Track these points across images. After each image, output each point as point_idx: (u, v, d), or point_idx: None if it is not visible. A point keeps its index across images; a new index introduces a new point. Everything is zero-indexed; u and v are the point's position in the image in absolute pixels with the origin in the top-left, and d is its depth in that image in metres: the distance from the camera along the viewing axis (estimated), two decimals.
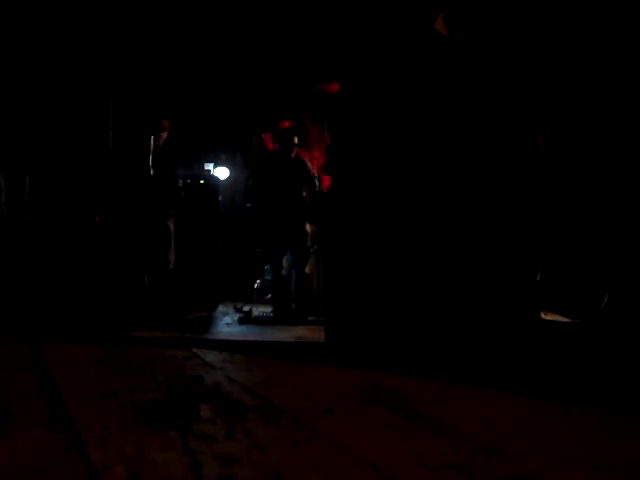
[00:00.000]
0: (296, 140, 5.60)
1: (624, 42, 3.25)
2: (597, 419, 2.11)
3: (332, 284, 3.96)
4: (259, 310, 5.57)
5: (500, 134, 3.43)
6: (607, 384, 2.54)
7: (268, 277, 6.56)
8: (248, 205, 7.23)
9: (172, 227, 5.48)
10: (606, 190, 3.32)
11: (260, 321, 5.11)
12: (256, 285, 6.82)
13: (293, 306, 5.41)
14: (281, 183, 5.48)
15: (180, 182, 5.65)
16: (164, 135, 5.43)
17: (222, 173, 7.64)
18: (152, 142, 5.25)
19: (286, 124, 5.84)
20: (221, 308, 5.84)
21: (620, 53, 3.25)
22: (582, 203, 3.53)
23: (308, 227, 5.47)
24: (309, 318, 5.15)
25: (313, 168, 5.61)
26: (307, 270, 5.49)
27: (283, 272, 5.53)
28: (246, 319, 5.13)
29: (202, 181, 5.69)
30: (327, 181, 5.41)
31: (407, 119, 3.52)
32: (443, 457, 1.59)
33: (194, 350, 3.44)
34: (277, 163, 5.58)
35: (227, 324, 4.94)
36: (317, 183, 5.58)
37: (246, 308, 5.49)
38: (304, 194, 5.55)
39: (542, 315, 3.79)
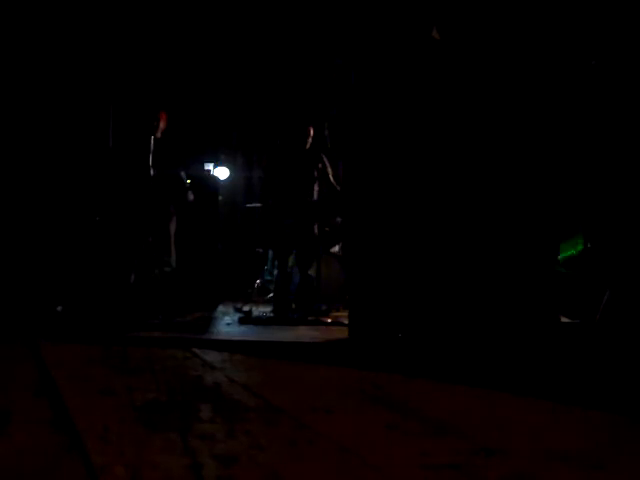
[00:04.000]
0: (312, 131, 5.49)
1: None
2: (598, 419, 2.11)
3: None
4: (259, 310, 5.57)
5: (518, 130, 3.43)
6: (608, 384, 2.54)
7: (268, 277, 6.56)
8: (248, 205, 7.22)
9: (173, 227, 5.47)
10: (607, 189, 3.32)
11: (260, 321, 5.11)
12: (256, 285, 6.81)
13: (293, 306, 5.40)
14: (294, 177, 5.38)
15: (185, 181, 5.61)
16: (162, 125, 5.39)
17: (222, 173, 7.63)
18: (152, 141, 5.24)
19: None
20: (221, 308, 5.84)
21: None
22: (583, 202, 3.53)
23: (316, 229, 5.44)
24: (309, 318, 5.15)
25: (328, 165, 5.52)
26: (311, 272, 5.48)
27: (288, 269, 5.51)
28: (246, 319, 5.13)
29: (189, 180, 5.61)
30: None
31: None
32: (443, 457, 1.59)
33: (194, 350, 3.44)
34: (291, 157, 5.47)
35: (227, 324, 4.94)
36: (332, 179, 5.49)
37: (246, 308, 5.49)
38: (317, 190, 5.48)
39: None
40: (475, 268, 3.38)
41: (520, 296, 3.36)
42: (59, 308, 4.93)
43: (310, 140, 5.46)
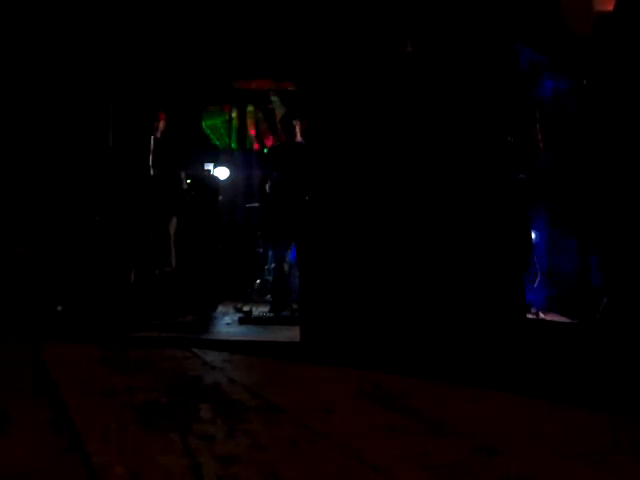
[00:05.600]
0: (297, 125, 5.48)
1: None
2: (598, 419, 2.11)
3: (332, 285, 3.96)
4: (259, 310, 5.56)
5: (481, 133, 3.44)
6: (608, 384, 2.54)
7: (268, 277, 6.55)
8: (248, 205, 7.22)
9: (173, 227, 5.47)
10: (605, 187, 3.32)
11: (260, 321, 5.11)
12: (256, 285, 6.81)
13: (294, 306, 5.40)
14: (289, 173, 5.37)
15: (185, 181, 5.59)
16: (161, 126, 5.38)
17: (222, 173, 7.63)
18: (152, 141, 5.24)
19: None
20: (221, 308, 5.83)
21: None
22: (580, 202, 3.53)
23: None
24: None
25: None
26: None
27: (285, 266, 5.50)
28: (246, 319, 5.13)
29: (189, 180, 5.59)
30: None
31: (379, 123, 3.54)
32: (443, 457, 1.59)
33: (194, 350, 3.44)
34: (284, 152, 5.46)
35: (227, 324, 4.94)
36: None
37: (246, 308, 5.49)
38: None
39: (541, 315, 3.80)
40: (456, 268, 3.39)
41: (490, 294, 3.36)
42: (59, 308, 4.92)
43: (298, 134, 5.45)
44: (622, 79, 3.08)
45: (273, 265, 5.70)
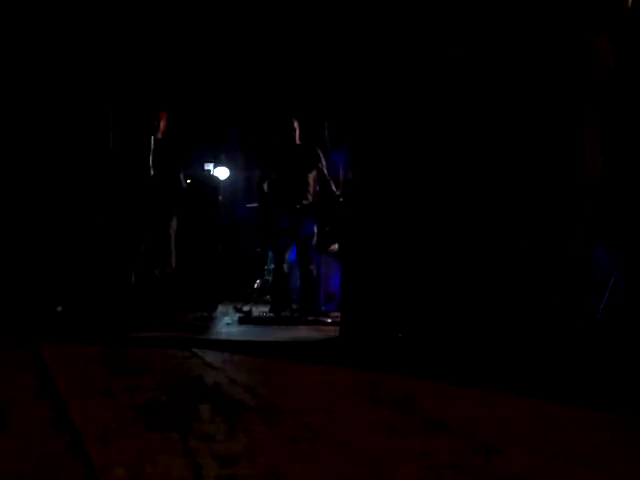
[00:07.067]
0: (296, 124, 5.44)
1: None
2: (598, 419, 2.11)
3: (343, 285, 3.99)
4: (259, 310, 5.56)
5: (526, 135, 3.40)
6: (608, 384, 2.54)
7: (268, 277, 6.55)
8: (248, 205, 7.22)
9: (173, 228, 5.45)
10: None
11: (260, 321, 5.11)
12: (256, 285, 6.81)
13: (294, 306, 5.40)
14: (288, 173, 5.34)
15: (184, 181, 5.56)
16: (162, 126, 5.36)
17: (222, 173, 7.63)
18: (152, 141, 5.23)
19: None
20: (221, 308, 5.83)
21: None
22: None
23: (315, 228, 5.42)
24: (309, 318, 5.14)
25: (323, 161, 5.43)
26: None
27: (285, 267, 5.49)
28: (246, 319, 5.13)
29: (188, 181, 5.55)
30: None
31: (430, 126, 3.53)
32: (443, 457, 1.59)
33: (194, 350, 3.44)
34: (283, 153, 5.43)
35: (227, 324, 4.94)
36: (326, 173, 5.40)
37: (246, 308, 5.49)
38: (314, 186, 5.41)
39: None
40: (458, 270, 3.37)
41: (503, 294, 3.33)
42: (59, 308, 4.93)
43: (297, 133, 5.40)
44: None
45: (273, 265, 5.70)
